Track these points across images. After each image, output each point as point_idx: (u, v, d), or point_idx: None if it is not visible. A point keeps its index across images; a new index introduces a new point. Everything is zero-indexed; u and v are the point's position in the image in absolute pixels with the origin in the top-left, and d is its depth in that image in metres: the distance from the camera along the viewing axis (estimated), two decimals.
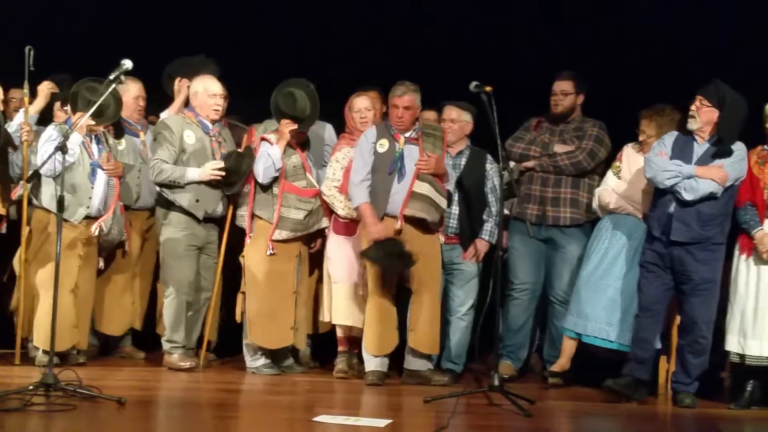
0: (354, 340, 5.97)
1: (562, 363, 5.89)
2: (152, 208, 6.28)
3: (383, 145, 5.75)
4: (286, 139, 5.92)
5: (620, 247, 5.78)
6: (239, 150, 6.08)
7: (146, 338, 6.52)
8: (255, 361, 5.99)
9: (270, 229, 5.91)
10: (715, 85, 5.45)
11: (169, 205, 6.01)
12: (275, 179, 5.92)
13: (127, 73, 5.19)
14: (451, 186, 5.91)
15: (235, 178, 5.95)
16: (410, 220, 5.71)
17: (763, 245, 5.36)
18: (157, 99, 6.47)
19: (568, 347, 5.88)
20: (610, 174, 5.97)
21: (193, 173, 5.94)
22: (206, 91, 6.03)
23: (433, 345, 5.80)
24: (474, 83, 5.33)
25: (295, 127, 5.93)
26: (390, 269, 5.67)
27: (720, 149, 5.41)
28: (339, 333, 6.01)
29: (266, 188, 5.95)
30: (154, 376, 5.91)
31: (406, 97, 5.72)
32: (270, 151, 5.89)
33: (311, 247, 6.11)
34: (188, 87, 6.20)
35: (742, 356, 5.41)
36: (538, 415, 4.97)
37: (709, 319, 5.45)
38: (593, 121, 6.25)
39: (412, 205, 5.67)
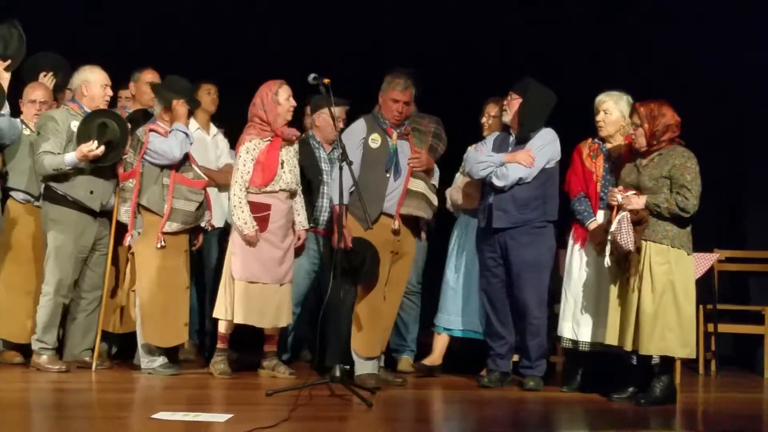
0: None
1: (434, 358, 6.00)
2: None
3: (376, 141, 5.54)
4: (185, 116, 5.83)
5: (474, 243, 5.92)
6: (103, 116, 5.83)
7: None
8: (152, 362, 5.80)
9: (159, 222, 5.77)
10: (524, 80, 5.68)
11: (59, 202, 5.82)
12: (165, 170, 5.76)
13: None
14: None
15: (112, 149, 5.79)
16: (404, 218, 5.58)
17: (595, 237, 5.53)
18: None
19: (440, 343, 6.01)
20: (457, 174, 6.14)
21: (71, 157, 5.76)
22: (98, 82, 5.95)
23: None
24: (312, 75, 5.33)
25: (188, 108, 5.85)
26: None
27: (522, 134, 5.62)
28: (222, 329, 5.76)
29: (155, 180, 5.78)
30: None
31: (408, 91, 5.55)
32: (177, 127, 5.76)
33: (194, 243, 5.97)
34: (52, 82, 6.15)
35: (575, 342, 5.61)
36: (379, 405, 5.04)
37: (539, 299, 5.64)
38: (430, 116, 6.31)
39: (409, 203, 5.55)
